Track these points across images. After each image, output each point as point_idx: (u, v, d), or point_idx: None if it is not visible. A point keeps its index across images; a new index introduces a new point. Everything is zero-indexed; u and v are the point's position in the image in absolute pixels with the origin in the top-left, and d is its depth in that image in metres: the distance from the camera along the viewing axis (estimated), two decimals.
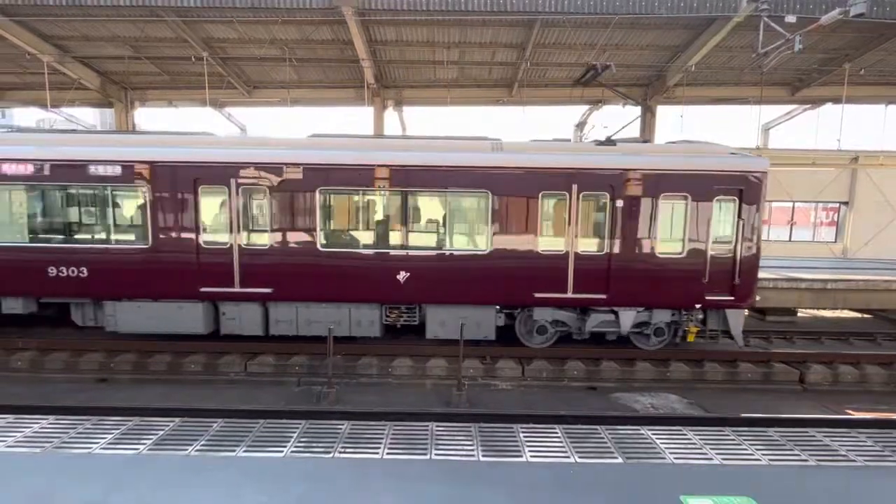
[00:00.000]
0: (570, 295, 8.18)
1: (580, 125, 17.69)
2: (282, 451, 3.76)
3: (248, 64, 15.18)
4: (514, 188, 8.03)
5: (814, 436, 4.25)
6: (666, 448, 3.93)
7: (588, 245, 8.17)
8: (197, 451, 3.76)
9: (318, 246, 8.12)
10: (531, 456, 3.77)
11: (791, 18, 10.12)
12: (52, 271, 8.06)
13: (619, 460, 3.73)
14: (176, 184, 7.95)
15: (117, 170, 7.90)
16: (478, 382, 7.99)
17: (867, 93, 16.29)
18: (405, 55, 14.53)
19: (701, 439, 4.11)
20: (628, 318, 8.40)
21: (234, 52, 14.27)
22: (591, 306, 8.39)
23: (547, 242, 8.15)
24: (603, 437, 4.11)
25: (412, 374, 8.13)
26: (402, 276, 8.11)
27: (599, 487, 3.37)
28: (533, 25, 12.22)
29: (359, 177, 8.00)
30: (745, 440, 4.11)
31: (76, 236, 8.21)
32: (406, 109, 17.93)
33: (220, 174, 7.93)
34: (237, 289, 8.12)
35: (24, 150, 7.96)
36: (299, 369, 8.13)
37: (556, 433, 4.17)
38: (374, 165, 7.94)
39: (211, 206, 8.15)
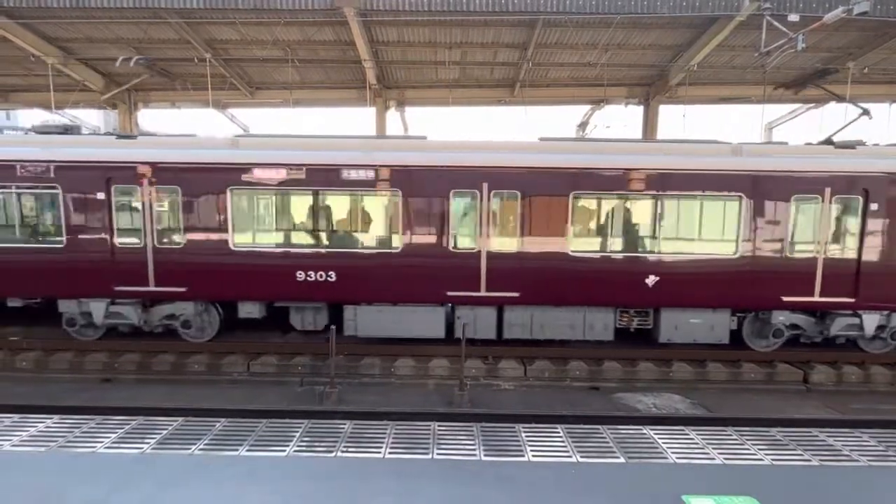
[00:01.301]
0: (816, 298, 8.17)
1: (582, 125, 17.67)
2: (284, 451, 3.78)
3: (251, 65, 15.22)
4: (765, 192, 8.01)
5: (817, 436, 4.23)
6: (668, 448, 3.93)
7: (838, 248, 8.15)
8: (200, 450, 3.78)
9: (569, 251, 8.14)
10: (533, 455, 3.77)
11: (794, 17, 10.07)
12: (301, 276, 8.10)
13: (621, 460, 3.73)
14: (427, 189, 8.02)
15: (370, 174, 7.93)
16: (480, 382, 7.99)
17: (871, 91, 16.16)
18: (407, 56, 14.54)
19: (703, 439, 4.11)
20: (872, 321, 8.35)
21: (236, 53, 14.31)
22: (834, 310, 8.36)
23: (798, 246, 8.13)
24: (605, 437, 4.11)
25: (414, 375, 8.15)
26: (650, 280, 8.15)
27: (601, 487, 3.37)
28: (535, 25, 12.21)
29: (612, 181, 8.03)
30: (747, 440, 4.10)
31: (325, 241, 8.26)
32: (408, 110, 17.95)
33: (471, 179, 8.00)
34: (482, 293, 8.19)
35: (275, 155, 7.99)
36: (302, 369, 8.15)
37: (558, 433, 4.17)
38: (628, 169, 7.99)
39: (462, 212, 8.20)
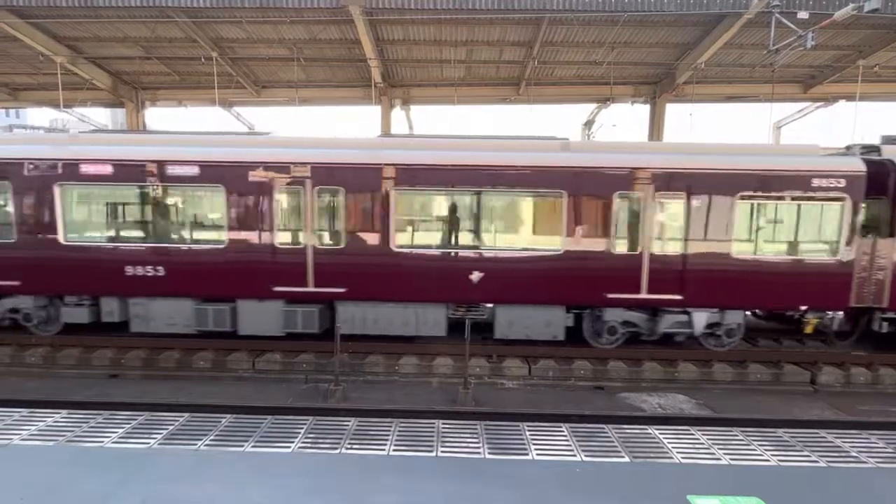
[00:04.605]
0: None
1: (588, 123, 17.60)
2: (289, 447, 3.80)
3: (257, 64, 15.29)
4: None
5: (824, 437, 4.20)
6: (673, 448, 3.91)
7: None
8: (206, 445, 3.81)
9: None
10: (537, 454, 3.77)
11: (803, 14, 9.96)
12: None
13: (626, 459, 3.72)
14: None
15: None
16: (484, 381, 7.99)
17: (882, 90, 15.99)
18: (412, 54, 14.54)
19: (709, 439, 4.08)
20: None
21: (242, 52, 14.38)
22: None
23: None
24: (609, 437, 4.10)
25: (418, 373, 8.16)
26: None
27: (606, 486, 3.36)
28: (540, 23, 12.16)
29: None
30: (753, 440, 4.07)
31: None
32: (413, 108, 17.96)
33: None
34: None
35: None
36: (306, 367, 8.19)
37: (563, 432, 4.16)
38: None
39: None
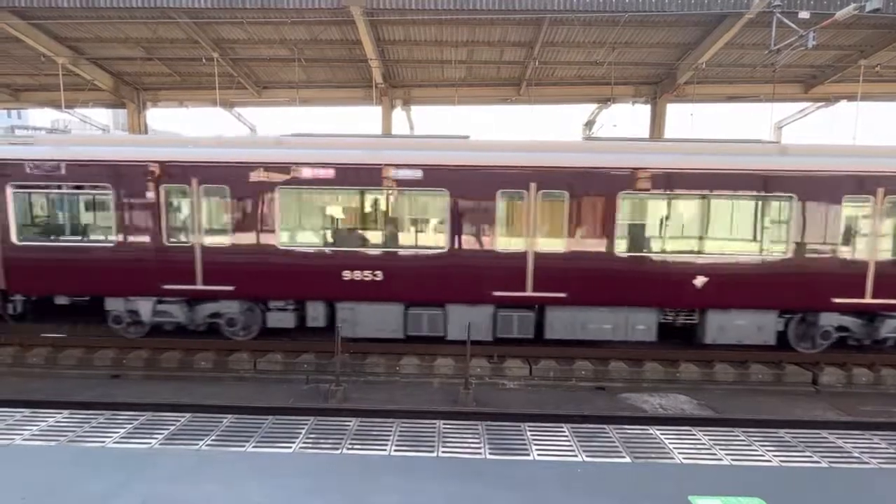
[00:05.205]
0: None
1: (588, 123, 17.57)
2: (290, 447, 3.80)
3: (258, 64, 15.29)
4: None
5: (826, 437, 4.19)
6: (674, 448, 3.90)
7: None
8: (207, 445, 3.82)
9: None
10: (538, 454, 3.77)
11: (805, 14, 9.94)
12: None
13: (627, 460, 3.71)
14: None
15: None
16: (485, 382, 7.99)
17: (884, 90, 15.95)
18: (413, 55, 14.54)
19: (710, 440, 4.08)
20: None
21: (243, 52, 14.39)
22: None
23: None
24: (611, 437, 4.09)
25: (419, 373, 8.16)
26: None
27: (607, 486, 3.36)
28: (541, 24, 12.16)
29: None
30: (755, 441, 4.06)
31: None
32: (413, 108, 17.96)
33: None
34: None
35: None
36: (307, 367, 8.19)
37: (564, 432, 4.16)
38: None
39: None
